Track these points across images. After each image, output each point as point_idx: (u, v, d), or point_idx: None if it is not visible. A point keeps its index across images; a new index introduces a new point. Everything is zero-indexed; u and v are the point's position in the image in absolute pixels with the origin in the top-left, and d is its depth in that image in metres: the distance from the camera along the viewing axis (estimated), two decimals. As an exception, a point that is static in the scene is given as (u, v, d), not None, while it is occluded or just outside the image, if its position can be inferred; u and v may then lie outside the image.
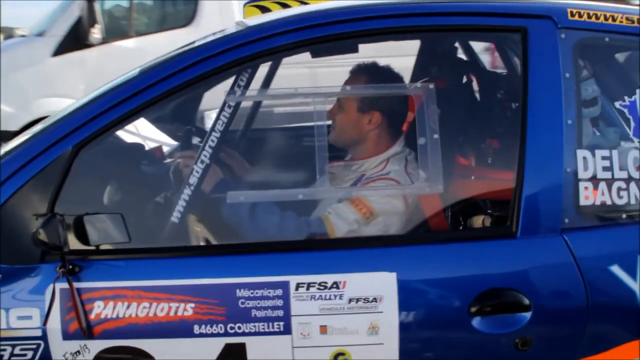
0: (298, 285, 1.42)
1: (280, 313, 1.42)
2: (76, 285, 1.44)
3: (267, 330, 1.42)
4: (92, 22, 4.55)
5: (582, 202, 1.42)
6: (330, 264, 1.44)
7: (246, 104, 2.27)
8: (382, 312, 1.41)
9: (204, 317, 1.43)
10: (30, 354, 1.47)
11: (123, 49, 4.71)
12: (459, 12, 1.57)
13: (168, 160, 1.85)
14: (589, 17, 1.50)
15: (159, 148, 1.98)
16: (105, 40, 4.72)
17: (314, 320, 1.42)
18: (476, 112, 1.72)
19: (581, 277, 1.39)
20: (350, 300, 1.41)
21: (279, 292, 1.42)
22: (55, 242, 1.34)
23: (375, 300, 1.41)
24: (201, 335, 1.43)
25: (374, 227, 1.62)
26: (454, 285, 1.42)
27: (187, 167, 1.67)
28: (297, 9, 1.86)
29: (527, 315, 1.39)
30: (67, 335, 1.46)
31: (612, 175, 1.43)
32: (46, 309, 1.44)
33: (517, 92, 1.53)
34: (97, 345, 1.46)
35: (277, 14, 1.92)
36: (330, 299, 1.41)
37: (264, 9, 2.01)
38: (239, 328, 1.42)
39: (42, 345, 1.47)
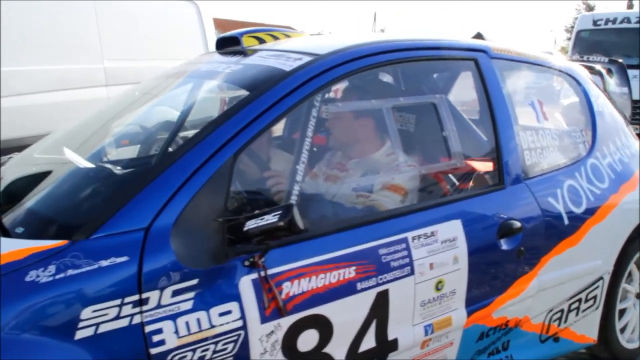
0: (413, 238, 1.94)
1: (407, 260, 1.92)
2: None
3: (400, 275, 1.90)
4: None
5: (527, 162, 2.36)
6: (426, 221, 2.00)
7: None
8: (458, 247, 2.05)
9: (362, 275, 1.82)
10: (231, 346, 1.60)
11: None
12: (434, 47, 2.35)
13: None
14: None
15: None
16: None
17: (426, 261, 1.96)
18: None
19: (538, 205, 2.32)
20: (442, 242, 2.01)
21: (404, 245, 1.92)
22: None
23: (454, 239, 2.04)
24: (362, 290, 1.81)
25: (408, 202, 2.22)
26: (487, 222, 2.17)
27: (280, 185, 1.97)
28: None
29: (521, 234, 2.23)
30: (264, 319, 1.64)
31: (535, 145, 2.42)
32: (249, 301, 1.60)
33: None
34: (288, 321, 1.68)
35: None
36: (431, 244, 1.98)
37: (260, 40, 2.33)
38: (385, 277, 1.86)
39: (242, 335, 1.61)
